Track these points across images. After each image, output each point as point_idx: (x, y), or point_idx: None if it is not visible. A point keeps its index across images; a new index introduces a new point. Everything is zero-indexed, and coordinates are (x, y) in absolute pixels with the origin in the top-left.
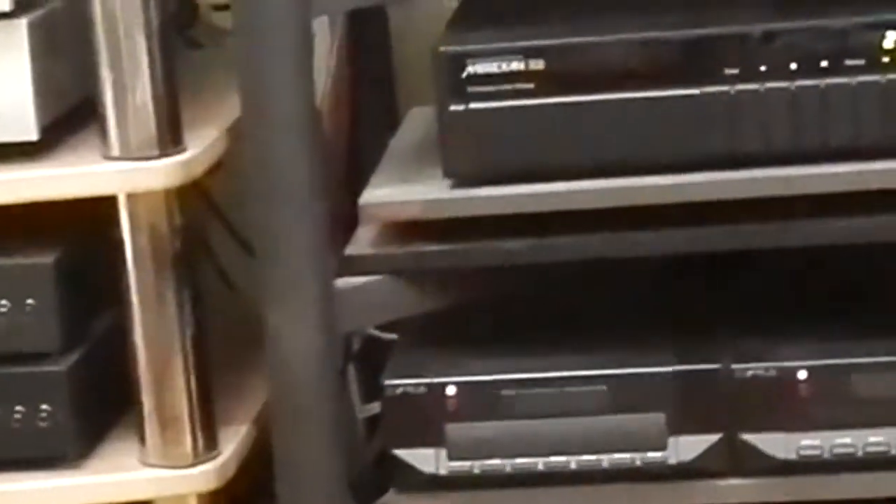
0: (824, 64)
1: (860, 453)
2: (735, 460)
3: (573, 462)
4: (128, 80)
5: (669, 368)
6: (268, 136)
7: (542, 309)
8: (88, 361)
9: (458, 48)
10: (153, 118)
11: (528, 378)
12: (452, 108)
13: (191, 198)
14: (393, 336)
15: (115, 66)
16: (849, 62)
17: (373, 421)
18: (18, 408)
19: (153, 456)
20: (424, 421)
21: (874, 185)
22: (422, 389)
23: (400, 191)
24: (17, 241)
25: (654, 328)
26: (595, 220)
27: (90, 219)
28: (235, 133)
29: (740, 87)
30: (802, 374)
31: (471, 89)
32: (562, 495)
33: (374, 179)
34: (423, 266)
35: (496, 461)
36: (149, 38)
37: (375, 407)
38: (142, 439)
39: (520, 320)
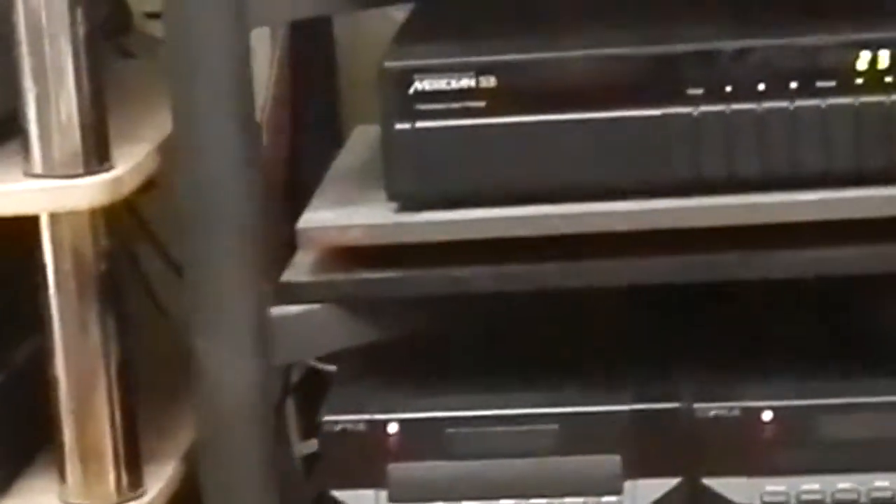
0: (794, 85)
1: (828, 500)
2: None
3: None
4: (52, 91)
5: (626, 407)
6: (200, 154)
7: (491, 342)
8: (6, 392)
9: (405, 63)
10: (78, 133)
11: (475, 416)
12: (398, 126)
13: (120, 217)
14: (334, 368)
15: (39, 77)
16: (820, 83)
17: (311, 459)
18: None
19: (74, 494)
20: (364, 460)
21: (845, 214)
22: (361, 427)
23: (341, 214)
24: None
25: (611, 363)
26: (549, 247)
27: (10, 240)
28: (168, 150)
29: (704, 108)
30: (767, 416)
31: (418, 107)
32: None
33: (314, 202)
34: (364, 295)
35: None
36: (75, 46)
37: (314, 444)
38: (62, 476)
39: (468, 353)
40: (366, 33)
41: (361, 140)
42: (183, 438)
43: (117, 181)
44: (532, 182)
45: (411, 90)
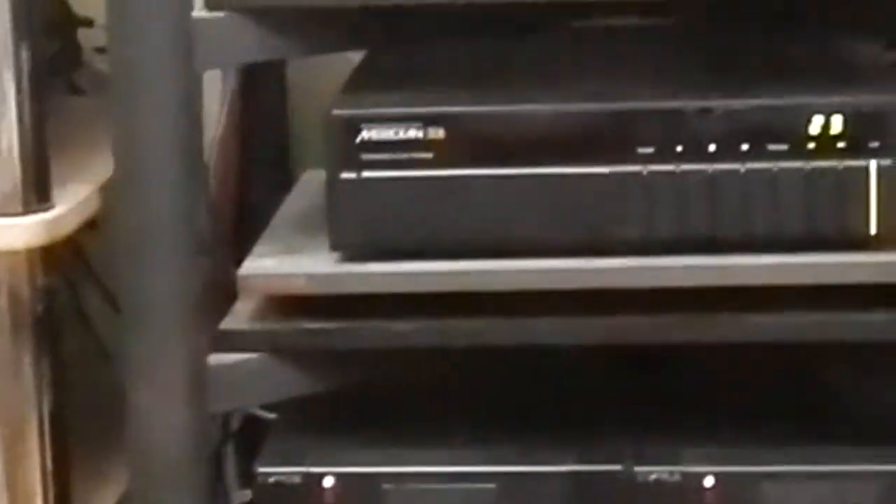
0: (745, 147)
1: None
2: None
3: None
4: None
5: (566, 468)
6: (141, 195)
7: (432, 396)
8: None
9: (352, 111)
10: (18, 170)
11: (412, 472)
12: (343, 175)
13: (62, 256)
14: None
15: None
16: (771, 146)
17: None
18: None
19: None
20: None
21: (794, 280)
22: (296, 479)
23: (284, 262)
24: None
25: (554, 423)
26: (494, 303)
27: None
28: (113, 189)
29: (654, 167)
30: (709, 481)
31: (364, 157)
32: None
33: (257, 248)
34: (305, 345)
35: None
36: (18, 81)
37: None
38: None
39: (408, 407)
40: (320, 75)
41: (310, 185)
42: (117, 486)
43: (57, 221)
44: (477, 236)
45: (358, 139)
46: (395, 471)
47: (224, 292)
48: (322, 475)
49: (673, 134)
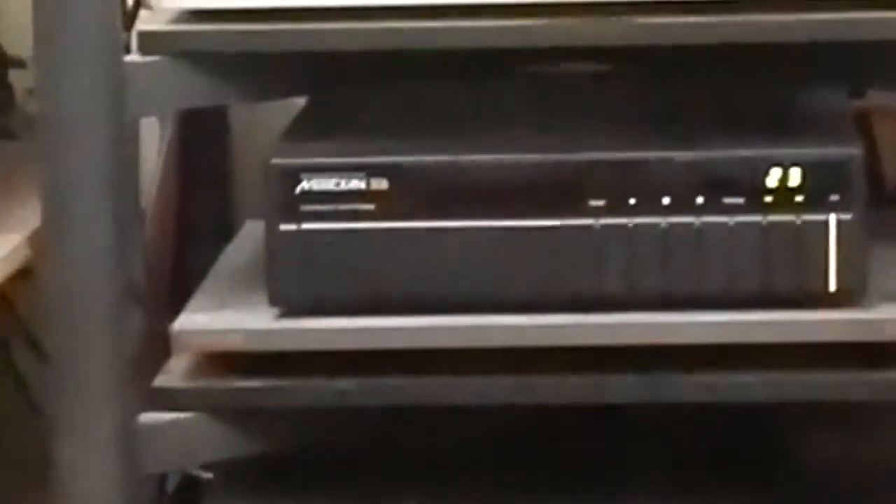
0: (700, 200)
1: None
2: None
3: None
4: None
5: None
6: (70, 246)
7: (376, 457)
8: None
9: (292, 161)
10: None
11: None
12: (283, 227)
13: None
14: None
15: None
16: (727, 199)
17: None
18: None
19: None
20: None
21: (750, 338)
22: None
23: (220, 317)
24: None
25: (498, 483)
26: (439, 360)
27: None
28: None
29: (606, 220)
30: None
31: (304, 208)
32: None
33: (192, 302)
34: (242, 404)
35: None
36: None
37: None
38: None
39: (351, 468)
40: (264, 120)
41: (251, 236)
42: None
43: None
44: (422, 291)
45: (298, 189)
46: None
47: (159, 347)
48: None
49: (626, 186)
